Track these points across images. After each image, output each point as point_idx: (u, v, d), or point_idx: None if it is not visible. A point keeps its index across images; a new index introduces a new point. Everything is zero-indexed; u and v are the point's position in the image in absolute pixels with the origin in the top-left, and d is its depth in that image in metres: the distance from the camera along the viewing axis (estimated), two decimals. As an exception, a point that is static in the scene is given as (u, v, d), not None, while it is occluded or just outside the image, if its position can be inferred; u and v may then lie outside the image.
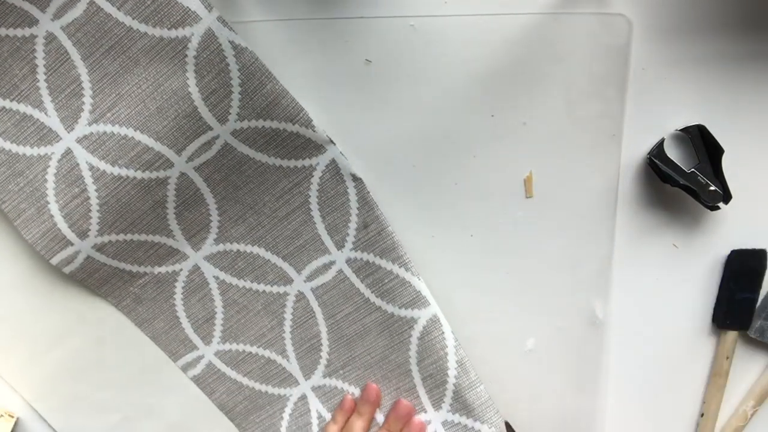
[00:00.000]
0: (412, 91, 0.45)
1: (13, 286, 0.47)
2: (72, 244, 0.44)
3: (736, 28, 0.45)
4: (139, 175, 0.42)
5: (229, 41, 0.39)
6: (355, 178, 0.43)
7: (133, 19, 0.39)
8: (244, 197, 0.44)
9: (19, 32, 0.40)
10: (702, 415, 0.49)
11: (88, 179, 0.42)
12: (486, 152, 0.46)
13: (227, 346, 0.48)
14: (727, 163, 0.45)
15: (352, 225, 0.43)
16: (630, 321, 0.49)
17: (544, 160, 0.46)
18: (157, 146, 0.41)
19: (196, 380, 0.48)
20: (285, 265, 0.46)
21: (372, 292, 0.43)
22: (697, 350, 0.49)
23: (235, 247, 0.46)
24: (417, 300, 0.43)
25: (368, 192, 0.44)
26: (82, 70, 0.40)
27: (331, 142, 0.42)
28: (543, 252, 0.47)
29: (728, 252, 0.48)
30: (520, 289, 0.48)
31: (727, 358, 0.48)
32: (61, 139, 0.42)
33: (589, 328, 0.48)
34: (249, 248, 0.46)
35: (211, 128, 0.41)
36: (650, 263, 0.48)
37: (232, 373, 0.48)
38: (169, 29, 0.39)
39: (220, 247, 0.46)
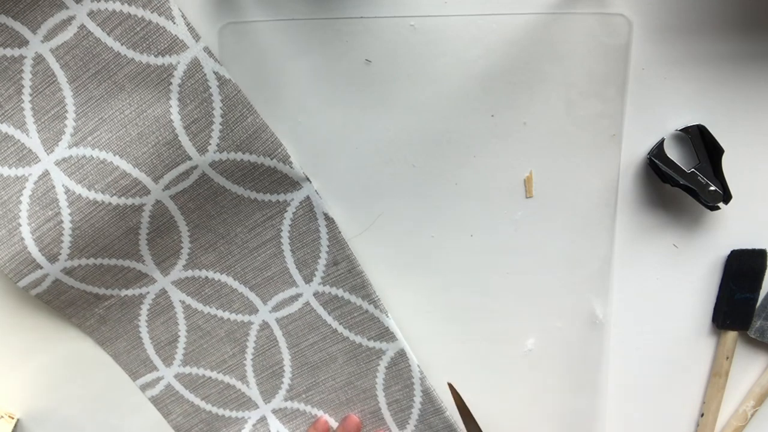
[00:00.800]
0: (412, 91, 0.45)
1: None
2: (41, 268, 0.43)
3: (736, 28, 0.45)
4: (114, 200, 0.42)
5: (214, 72, 0.39)
6: (328, 218, 0.43)
7: (122, 44, 0.39)
8: (216, 226, 0.44)
9: (8, 52, 0.40)
10: (702, 415, 0.49)
11: (63, 202, 0.42)
12: (486, 152, 0.46)
13: (188, 369, 0.47)
14: (727, 163, 0.45)
15: (322, 261, 0.43)
16: (630, 321, 0.49)
17: (544, 160, 0.46)
18: (135, 172, 0.41)
19: (154, 401, 0.48)
20: (251, 295, 0.46)
21: (340, 324, 0.44)
22: (697, 350, 0.49)
23: (203, 273, 0.46)
24: (386, 334, 0.43)
25: (339, 232, 0.45)
26: (68, 92, 0.40)
27: (308, 179, 0.43)
28: (543, 252, 0.47)
29: (728, 252, 0.48)
30: (520, 289, 0.48)
31: (727, 358, 0.48)
32: (39, 160, 0.42)
33: (589, 328, 0.48)
34: (218, 276, 0.46)
35: (190, 158, 0.41)
36: (650, 263, 0.48)
37: (191, 396, 0.48)
38: (156, 56, 0.39)
39: (189, 273, 0.46)
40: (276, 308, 0.45)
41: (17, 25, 0.39)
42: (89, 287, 0.45)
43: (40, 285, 0.44)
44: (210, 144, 0.41)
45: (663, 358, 0.49)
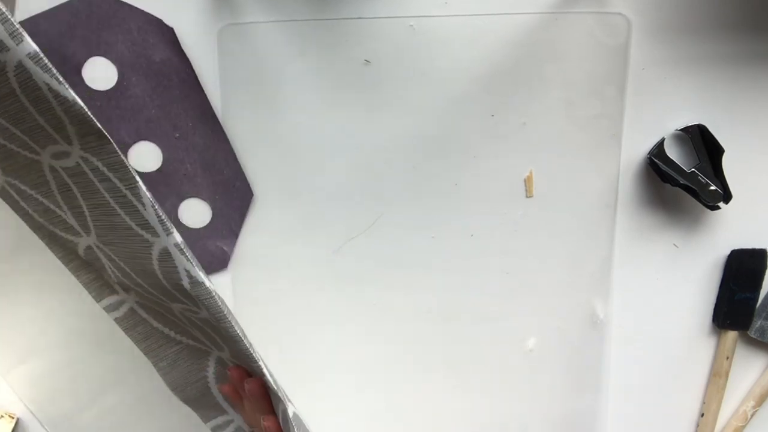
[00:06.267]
0: (412, 92, 0.45)
1: (73, 332, 0.48)
2: (117, 293, 0.46)
3: (736, 28, 0.45)
4: (147, 293, 0.44)
5: (185, 269, 0.39)
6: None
7: (111, 197, 0.39)
8: (246, 355, 0.44)
9: (27, 154, 0.41)
10: (702, 415, 0.49)
11: (111, 272, 0.44)
12: (486, 152, 0.46)
13: None
14: (727, 163, 0.45)
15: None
16: (630, 321, 0.49)
17: (544, 160, 0.46)
18: (151, 290, 0.43)
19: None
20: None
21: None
22: (697, 350, 0.49)
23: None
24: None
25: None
26: (82, 203, 0.42)
27: (288, 399, 0.42)
28: (543, 252, 0.47)
29: (728, 252, 0.48)
30: (521, 289, 0.48)
31: (727, 358, 0.48)
32: (82, 236, 0.44)
33: (590, 328, 0.48)
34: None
35: (191, 308, 0.42)
36: (650, 263, 0.48)
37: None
38: (137, 226, 0.39)
39: (234, 360, 0.47)
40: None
41: (26, 138, 0.39)
42: (160, 326, 0.47)
43: (118, 309, 0.47)
44: (203, 309, 0.41)
45: (663, 358, 0.49)
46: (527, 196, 0.47)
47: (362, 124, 0.45)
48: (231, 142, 0.46)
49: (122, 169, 0.37)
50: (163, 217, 0.38)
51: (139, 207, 0.38)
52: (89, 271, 0.46)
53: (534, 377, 0.49)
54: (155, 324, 0.47)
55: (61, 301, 0.47)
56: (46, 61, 0.33)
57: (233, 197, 0.47)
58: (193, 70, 0.45)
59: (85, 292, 0.47)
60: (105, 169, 0.38)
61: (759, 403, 0.48)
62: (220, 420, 0.49)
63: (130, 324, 0.47)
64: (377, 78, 0.45)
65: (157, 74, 0.45)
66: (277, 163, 0.46)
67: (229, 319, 0.39)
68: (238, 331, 0.39)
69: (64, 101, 0.34)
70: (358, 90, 0.45)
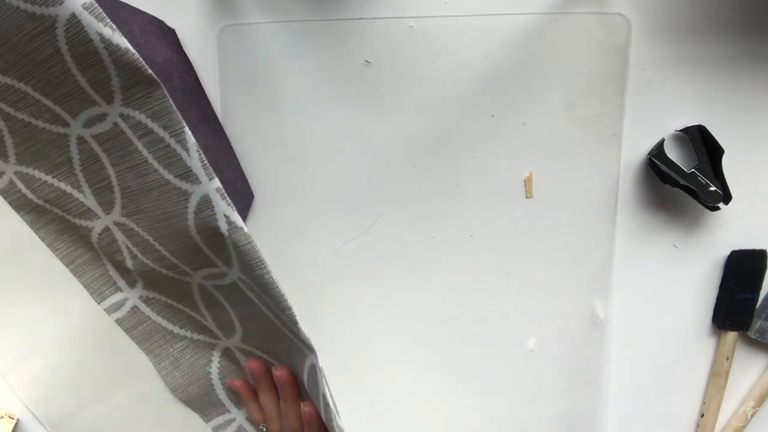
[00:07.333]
0: (412, 92, 0.45)
1: (72, 339, 0.48)
2: (121, 291, 0.47)
3: (736, 28, 0.45)
4: (164, 271, 0.45)
5: (225, 215, 0.39)
6: (325, 399, 0.42)
7: (149, 153, 0.40)
8: (264, 332, 0.45)
9: (54, 128, 0.41)
10: (702, 415, 0.49)
11: (126, 254, 0.45)
12: (486, 152, 0.46)
13: None
14: (727, 163, 0.45)
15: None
16: (630, 321, 0.49)
17: (544, 160, 0.46)
18: (173, 259, 0.44)
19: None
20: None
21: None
22: (697, 350, 0.49)
23: (257, 353, 0.47)
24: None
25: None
26: (111, 173, 0.42)
27: (313, 349, 0.42)
28: (543, 252, 0.47)
29: (728, 252, 0.48)
30: (521, 289, 0.48)
31: (727, 358, 0.48)
32: (99, 218, 0.44)
33: (590, 328, 0.48)
34: (265, 356, 0.47)
35: (218, 266, 0.43)
36: (650, 263, 0.48)
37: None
38: (175, 177, 0.40)
39: (246, 346, 0.48)
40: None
41: (57, 109, 0.40)
42: (164, 322, 0.47)
43: (120, 309, 0.47)
44: (233, 264, 0.42)
45: (663, 358, 0.49)
46: (527, 197, 0.47)
47: (362, 125, 0.45)
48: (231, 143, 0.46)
49: (169, 115, 0.38)
50: (206, 161, 0.39)
51: (183, 155, 0.38)
52: (92, 270, 0.46)
53: (534, 377, 0.49)
54: (159, 321, 0.47)
55: (61, 302, 0.47)
56: (101, 10, 0.34)
57: (234, 198, 0.47)
58: (194, 72, 0.45)
59: (86, 293, 0.47)
60: (148, 121, 0.38)
61: (759, 403, 0.48)
62: (221, 419, 0.49)
63: (131, 324, 0.47)
64: (377, 78, 0.45)
65: (158, 75, 0.45)
66: (277, 163, 0.46)
67: (266, 264, 0.40)
68: (274, 277, 0.40)
69: (116, 50, 0.34)
70: (358, 90, 0.45)
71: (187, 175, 0.39)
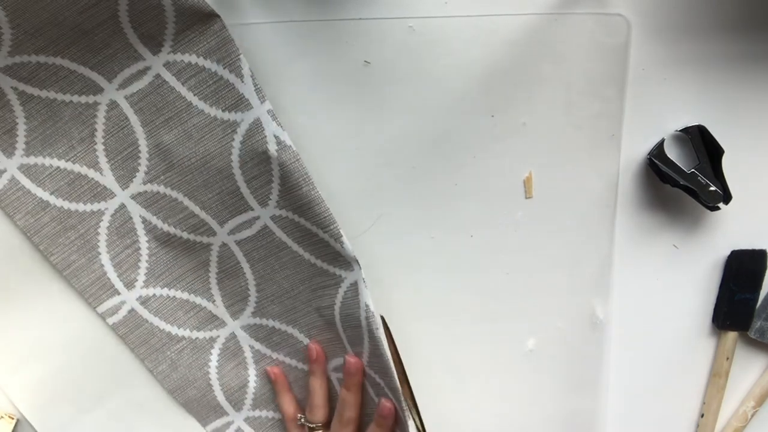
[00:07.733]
0: (412, 92, 0.45)
1: (65, 344, 0.48)
2: (118, 294, 0.46)
3: (736, 28, 0.45)
4: (185, 235, 0.45)
5: (275, 135, 0.41)
6: (368, 310, 0.43)
7: (195, 95, 0.41)
8: (281, 281, 0.46)
9: (83, 99, 0.42)
10: (702, 415, 0.49)
11: (141, 231, 0.45)
12: (486, 152, 0.46)
13: (256, 413, 0.49)
14: (727, 164, 0.45)
15: (365, 344, 0.44)
16: (630, 321, 0.49)
17: (544, 160, 0.46)
18: (202, 215, 0.44)
19: None
20: (303, 338, 0.47)
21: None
22: (697, 350, 0.49)
23: (271, 323, 0.48)
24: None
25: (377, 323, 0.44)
26: (140, 135, 0.43)
27: (357, 263, 0.43)
28: (543, 252, 0.47)
29: (728, 252, 0.48)
30: (521, 289, 0.48)
31: (727, 358, 0.48)
32: (115, 195, 0.44)
33: (590, 328, 0.48)
34: (284, 327, 0.48)
35: (252, 209, 0.44)
36: (650, 263, 0.48)
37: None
38: (223, 111, 0.41)
39: (257, 320, 0.48)
40: (335, 369, 0.47)
41: (93, 75, 0.41)
42: (162, 323, 0.47)
43: (117, 313, 0.46)
44: (270, 200, 0.43)
45: (663, 358, 0.49)
46: (527, 197, 0.47)
47: (362, 125, 0.45)
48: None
49: (225, 46, 0.39)
50: (259, 85, 0.40)
51: (237, 83, 0.40)
52: (88, 274, 0.46)
53: (534, 377, 0.49)
54: (156, 323, 0.47)
55: (58, 306, 0.47)
56: None
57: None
58: (193, 71, 0.45)
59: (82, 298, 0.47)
60: (200, 60, 0.40)
61: (759, 403, 0.48)
62: (219, 422, 0.49)
63: (128, 328, 0.47)
64: (377, 79, 0.45)
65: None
66: (277, 163, 0.46)
67: (312, 180, 0.41)
68: (321, 193, 0.41)
69: None
70: (358, 91, 0.45)
71: (238, 103, 0.40)
